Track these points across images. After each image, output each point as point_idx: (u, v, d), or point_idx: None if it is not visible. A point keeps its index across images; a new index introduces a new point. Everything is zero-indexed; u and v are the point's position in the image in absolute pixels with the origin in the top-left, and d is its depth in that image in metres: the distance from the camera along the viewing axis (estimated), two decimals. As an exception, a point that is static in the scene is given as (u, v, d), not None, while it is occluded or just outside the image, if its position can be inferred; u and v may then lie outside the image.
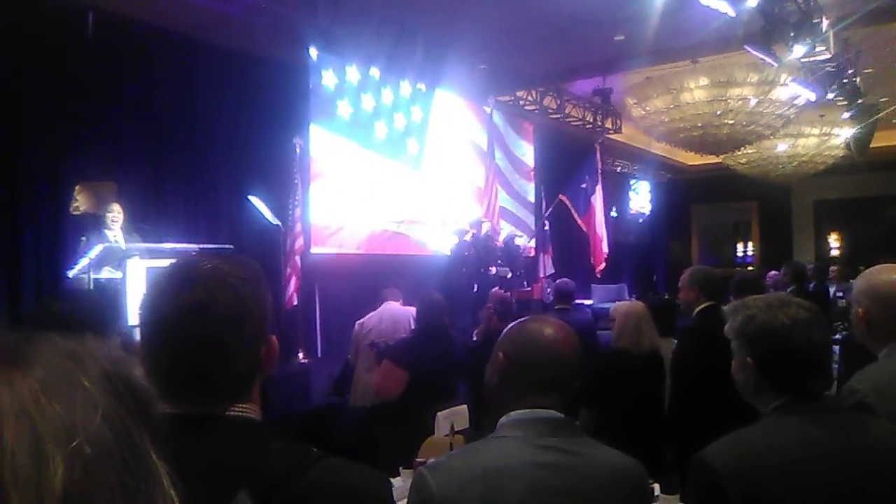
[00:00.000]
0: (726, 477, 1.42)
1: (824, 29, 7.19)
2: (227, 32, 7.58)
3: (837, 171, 14.30)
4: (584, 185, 11.81)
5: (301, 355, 7.70)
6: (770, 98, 10.03)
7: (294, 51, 8.03)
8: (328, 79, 8.59)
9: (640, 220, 17.58)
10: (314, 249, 8.30)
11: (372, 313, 5.51)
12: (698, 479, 1.48)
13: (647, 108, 10.83)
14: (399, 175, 9.59)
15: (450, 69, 9.42)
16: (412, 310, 4.77)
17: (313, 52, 8.18)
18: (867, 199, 16.40)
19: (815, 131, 12.82)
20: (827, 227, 17.90)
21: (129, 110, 7.23)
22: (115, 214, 5.92)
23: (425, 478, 1.42)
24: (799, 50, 7.07)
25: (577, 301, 7.50)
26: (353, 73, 8.85)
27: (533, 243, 11.30)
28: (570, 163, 12.76)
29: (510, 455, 1.44)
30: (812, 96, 9.15)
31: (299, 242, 7.75)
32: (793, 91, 9.61)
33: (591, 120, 12.57)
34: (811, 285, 8.19)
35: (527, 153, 12.39)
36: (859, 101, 9.48)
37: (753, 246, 19.03)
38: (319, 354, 8.28)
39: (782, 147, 13.22)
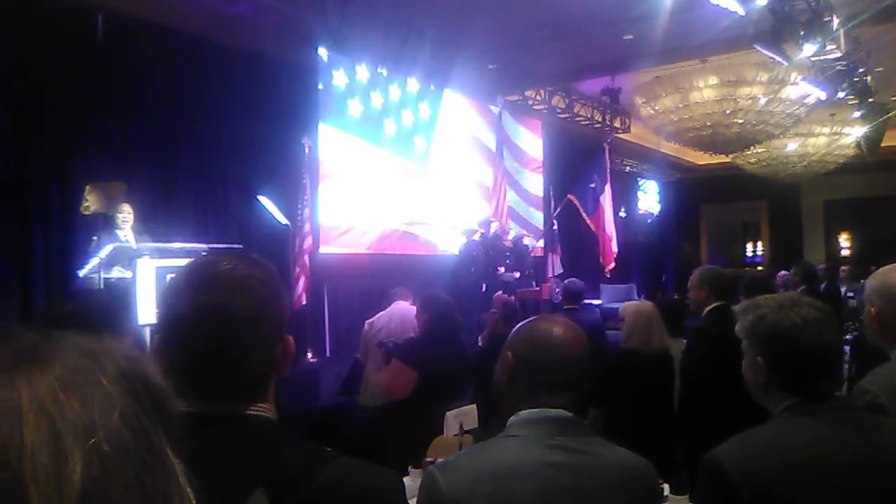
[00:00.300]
0: (736, 477, 1.42)
1: (835, 27, 7.14)
2: (236, 32, 7.60)
3: (848, 170, 14.22)
4: (592, 185, 11.76)
5: (310, 355, 7.72)
6: (780, 97, 9.98)
7: (302, 51, 8.05)
8: (339, 78, 8.61)
9: (649, 220, 17.53)
10: (323, 249, 8.31)
11: (381, 313, 5.51)
12: (708, 479, 1.48)
13: (656, 108, 10.79)
14: (408, 175, 9.60)
15: (458, 69, 9.42)
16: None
17: (323, 52, 8.20)
18: (878, 199, 16.29)
19: (826, 130, 12.75)
20: (837, 227, 17.79)
21: (139, 111, 7.27)
22: (126, 215, 5.95)
23: (435, 477, 1.42)
24: (809, 48, 7.03)
25: (586, 301, 7.49)
26: (362, 71, 8.87)
27: (541, 243, 11.28)
28: (578, 162, 12.73)
29: (520, 454, 1.44)
30: (822, 95, 9.10)
31: (308, 242, 7.78)
32: (803, 90, 9.56)
33: (600, 119, 12.54)
34: (822, 285, 8.15)
35: (535, 147, 12.36)
36: (870, 99, 9.43)
37: (763, 246, 18.94)
38: (328, 354, 8.30)
39: (792, 146, 13.16)
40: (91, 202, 5.93)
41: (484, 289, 8.70)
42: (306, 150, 7.89)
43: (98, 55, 6.74)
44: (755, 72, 9.63)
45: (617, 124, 12.93)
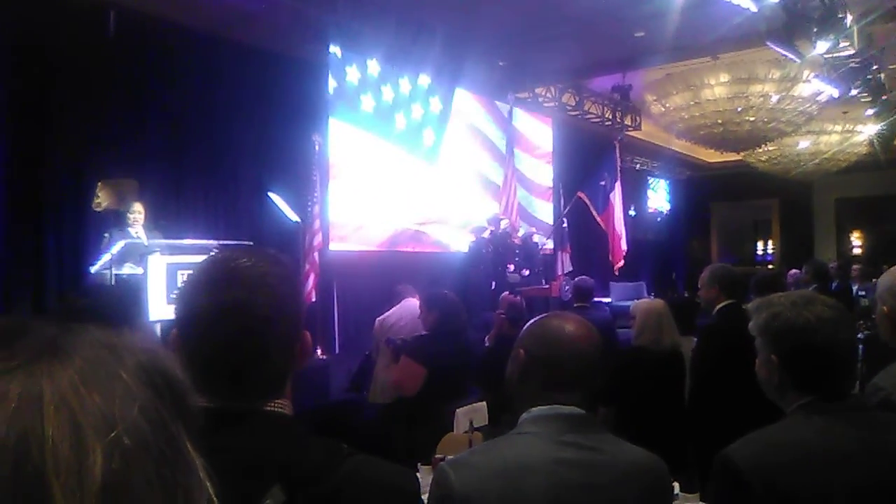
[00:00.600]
0: (749, 475, 1.41)
1: (848, 24, 7.09)
2: (247, 30, 7.63)
3: (860, 168, 14.13)
4: (602, 183, 11.75)
5: (319, 351, 7.74)
6: (792, 94, 9.92)
7: (313, 48, 8.06)
8: (351, 74, 8.64)
9: (659, 219, 17.48)
10: (332, 246, 8.33)
11: (392, 310, 5.51)
12: (722, 477, 1.47)
13: (667, 105, 10.75)
14: (417, 172, 9.60)
15: (468, 66, 9.41)
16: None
17: (337, 50, 8.22)
18: (890, 197, 16.16)
19: (838, 128, 12.67)
20: (849, 226, 17.68)
21: (150, 108, 7.31)
22: (137, 212, 5.99)
23: (446, 473, 1.42)
24: (822, 46, 6.99)
25: (596, 299, 7.47)
26: (373, 65, 8.88)
27: (550, 243, 11.26)
28: (588, 160, 12.71)
29: (531, 451, 1.44)
30: (835, 93, 9.04)
31: (318, 239, 7.79)
32: (815, 87, 9.50)
33: (610, 117, 12.50)
34: (834, 284, 8.10)
35: (544, 135, 12.34)
36: (883, 97, 9.35)
37: (774, 244, 18.84)
38: (337, 351, 8.31)
39: (804, 144, 13.08)
40: (103, 199, 5.97)
41: (493, 286, 8.69)
42: (316, 147, 7.91)
43: (110, 53, 6.78)
44: (767, 69, 9.57)
45: (627, 122, 12.89)
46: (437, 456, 2.94)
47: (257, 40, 7.91)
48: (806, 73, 9.22)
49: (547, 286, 9.73)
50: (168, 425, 0.47)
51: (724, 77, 9.90)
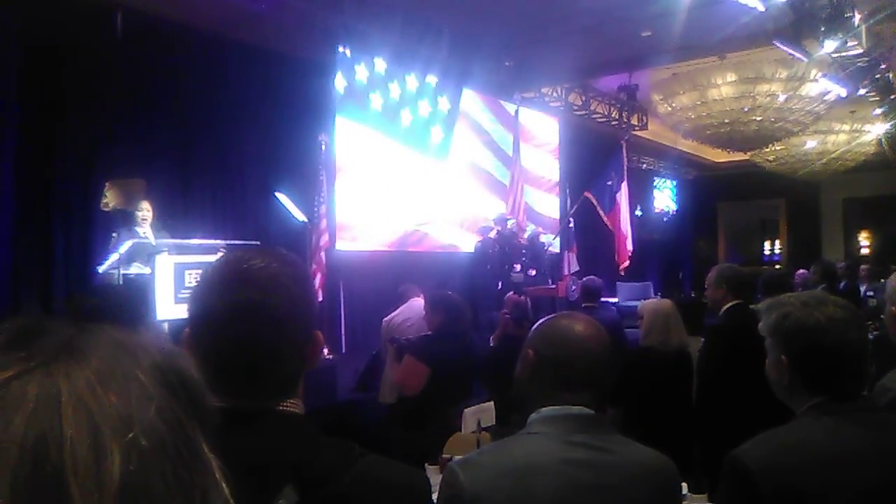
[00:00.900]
0: (760, 475, 1.41)
1: (856, 23, 7.07)
2: (254, 30, 7.64)
3: (868, 168, 14.07)
4: (609, 183, 11.72)
5: (326, 351, 7.74)
6: (799, 94, 9.87)
7: (319, 48, 8.07)
8: (361, 73, 8.65)
9: (665, 219, 17.44)
10: (339, 246, 8.34)
11: (398, 310, 5.51)
12: (732, 478, 1.47)
13: (674, 105, 10.72)
14: (424, 172, 9.60)
15: (475, 66, 9.41)
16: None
17: (347, 51, 8.24)
18: (898, 197, 16.11)
19: (846, 128, 12.62)
20: (856, 225, 17.60)
21: (158, 108, 7.33)
22: (145, 212, 6.00)
23: (456, 473, 1.42)
24: (830, 45, 6.97)
25: (603, 299, 7.46)
26: (380, 63, 8.89)
27: (557, 243, 11.25)
28: (595, 159, 12.69)
29: (541, 451, 1.44)
30: (843, 92, 9.01)
31: (324, 239, 7.80)
32: (823, 87, 9.46)
33: (617, 116, 12.48)
34: (842, 284, 8.07)
35: (551, 131, 12.30)
36: (891, 96, 9.32)
37: (781, 244, 18.77)
38: (344, 350, 8.32)
39: (811, 144, 13.03)
40: (110, 199, 5.98)
41: (500, 286, 8.69)
42: (322, 147, 7.92)
43: (117, 53, 6.80)
44: (774, 68, 9.53)
45: (634, 122, 12.85)
46: (445, 456, 2.95)
47: (264, 41, 7.93)
48: (813, 72, 9.19)
49: (553, 286, 9.72)
50: (184, 425, 0.47)
51: (731, 76, 9.86)
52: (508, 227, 9.48)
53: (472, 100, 10.43)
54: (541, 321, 1.67)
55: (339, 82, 8.42)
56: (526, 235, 9.95)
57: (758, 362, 1.66)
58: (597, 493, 1.42)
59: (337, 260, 8.21)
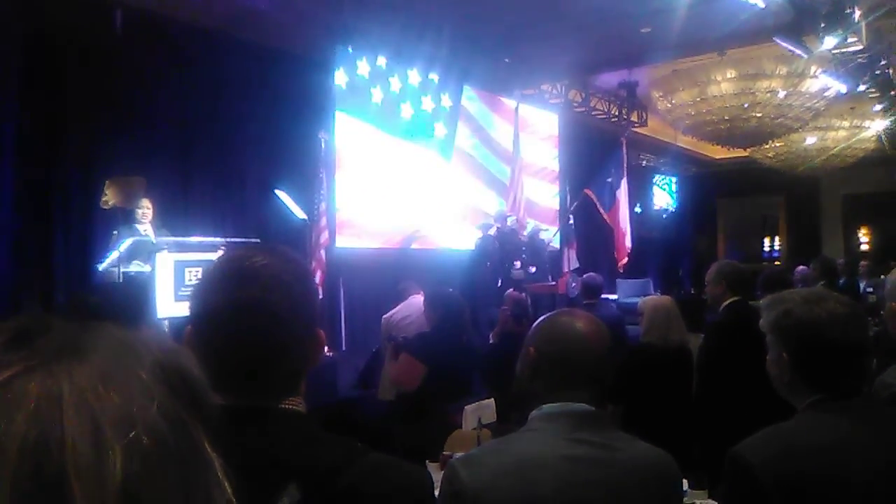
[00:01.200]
0: (761, 471, 1.41)
1: (856, 19, 7.05)
2: (253, 27, 7.63)
3: (867, 164, 14.05)
4: (609, 180, 11.71)
5: (326, 349, 7.75)
6: (799, 90, 9.86)
7: (319, 45, 8.06)
8: (362, 68, 8.65)
9: (665, 215, 17.43)
10: (339, 243, 8.34)
11: (398, 307, 5.51)
12: (734, 474, 1.47)
13: (674, 101, 10.71)
14: (424, 170, 9.60)
15: (474, 63, 9.40)
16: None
17: (348, 47, 8.25)
18: (898, 194, 16.10)
19: (846, 124, 12.60)
20: (856, 222, 17.58)
21: (158, 106, 7.32)
22: (145, 210, 6.01)
23: (457, 470, 1.42)
24: (830, 41, 6.96)
25: (603, 296, 7.46)
26: (381, 60, 8.90)
27: (557, 239, 11.25)
28: (595, 156, 12.67)
29: (542, 448, 1.44)
30: (843, 88, 9.00)
31: (324, 236, 7.80)
32: (823, 83, 9.45)
33: (617, 113, 12.47)
34: (841, 280, 8.07)
35: (550, 122, 12.29)
36: (891, 92, 9.30)
37: (781, 241, 18.76)
38: (344, 348, 8.32)
39: (811, 140, 13.02)
40: (110, 197, 5.97)
41: (499, 283, 8.69)
42: (322, 145, 7.92)
43: (117, 50, 6.79)
44: (774, 65, 9.52)
45: (634, 118, 12.84)
46: (445, 453, 2.95)
47: (264, 38, 7.92)
48: (813, 68, 9.18)
49: (553, 283, 9.71)
50: (186, 424, 0.47)
51: (730, 73, 9.85)
52: (508, 224, 9.48)
53: (472, 97, 10.42)
54: (541, 318, 1.67)
55: (341, 77, 8.42)
56: (526, 232, 9.94)
57: (758, 358, 1.66)
58: (598, 490, 1.42)
59: (337, 257, 8.21)
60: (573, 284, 8.95)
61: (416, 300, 5.54)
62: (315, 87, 8.35)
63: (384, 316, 5.52)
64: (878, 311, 3.98)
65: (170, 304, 5.31)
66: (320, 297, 7.67)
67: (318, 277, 7.63)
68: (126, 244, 5.49)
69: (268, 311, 1.03)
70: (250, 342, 1.03)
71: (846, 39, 7.17)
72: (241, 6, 7.03)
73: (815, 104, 10.26)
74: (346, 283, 8.63)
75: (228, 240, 5.69)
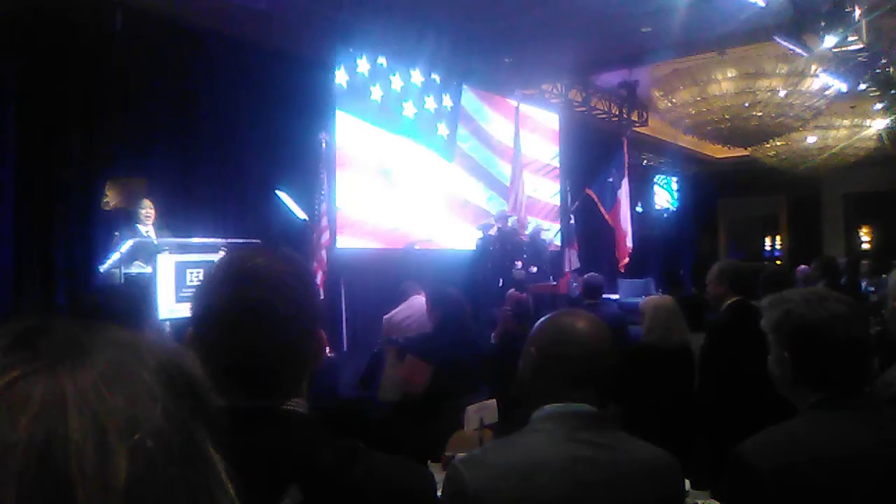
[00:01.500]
0: (764, 471, 1.41)
1: (857, 18, 7.05)
2: (254, 28, 7.64)
3: (868, 163, 14.04)
4: (610, 179, 11.71)
5: (327, 349, 7.75)
6: (800, 89, 9.86)
7: (320, 45, 8.07)
8: (362, 66, 8.65)
9: (666, 215, 17.42)
10: (340, 243, 8.34)
11: (399, 307, 5.50)
12: (736, 474, 1.47)
13: (674, 101, 10.70)
14: (425, 170, 9.60)
15: (475, 63, 9.40)
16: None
17: (348, 48, 8.25)
18: (899, 192, 16.08)
19: (846, 123, 12.60)
20: (857, 221, 17.58)
21: (159, 106, 7.33)
22: (147, 210, 6.01)
23: (459, 471, 1.42)
24: (830, 40, 6.95)
25: (604, 296, 7.45)
26: (381, 59, 8.90)
27: (558, 238, 11.24)
28: (596, 156, 12.67)
29: (544, 448, 1.44)
30: (843, 87, 9.00)
31: (325, 236, 7.80)
32: (823, 82, 9.45)
33: (617, 113, 12.46)
34: (843, 280, 8.06)
35: (550, 119, 12.29)
36: (892, 91, 9.30)
37: (782, 240, 18.76)
38: (345, 348, 8.32)
39: (812, 139, 13.01)
40: (112, 198, 5.99)
41: (501, 283, 8.68)
42: (323, 145, 7.92)
43: (118, 51, 6.79)
44: (775, 64, 9.51)
45: (634, 118, 12.84)
46: (448, 453, 2.94)
47: (265, 38, 7.92)
48: (814, 67, 9.17)
49: (555, 283, 9.71)
50: (189, 426, 0.47)
51: (731, 72, 9.85)
52: (509, 224, 9.48)
53: (472, 97, 10.42)
54: (543, 319, 1.66)
55: (341, 76, 8.43)
56: (527, 232, 9.94)
57: (759, 358, 1.66)
58: (601, 490, 1.42)
59: (338, 257, 8.21)
60: (574, 284, 8.94)
61: (418, 300, 5.53)
62: (315, 87, 8.36)
63: (385, 316, 5.51)
64: (880, 310, 3.98)
65: (171, 306, 5.31)
66: (321, 297, 7.70)
67: (319, 278, 7.64)
68: (127, 245, 5.49)
69: (269, 313, 1.03)
70: (252, 343, 1.03)
71: (847, 38, 7.16)
72: (241, 6, 7.03)
73: (816, 103, 10.26)
74: (347, 283, 8.63)
75: (230, 241, 5.68)
